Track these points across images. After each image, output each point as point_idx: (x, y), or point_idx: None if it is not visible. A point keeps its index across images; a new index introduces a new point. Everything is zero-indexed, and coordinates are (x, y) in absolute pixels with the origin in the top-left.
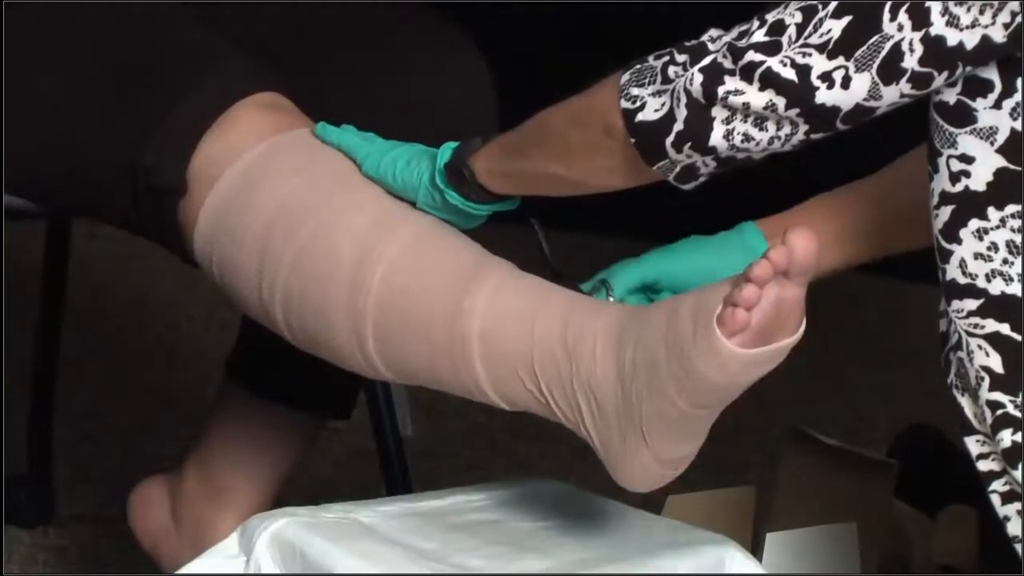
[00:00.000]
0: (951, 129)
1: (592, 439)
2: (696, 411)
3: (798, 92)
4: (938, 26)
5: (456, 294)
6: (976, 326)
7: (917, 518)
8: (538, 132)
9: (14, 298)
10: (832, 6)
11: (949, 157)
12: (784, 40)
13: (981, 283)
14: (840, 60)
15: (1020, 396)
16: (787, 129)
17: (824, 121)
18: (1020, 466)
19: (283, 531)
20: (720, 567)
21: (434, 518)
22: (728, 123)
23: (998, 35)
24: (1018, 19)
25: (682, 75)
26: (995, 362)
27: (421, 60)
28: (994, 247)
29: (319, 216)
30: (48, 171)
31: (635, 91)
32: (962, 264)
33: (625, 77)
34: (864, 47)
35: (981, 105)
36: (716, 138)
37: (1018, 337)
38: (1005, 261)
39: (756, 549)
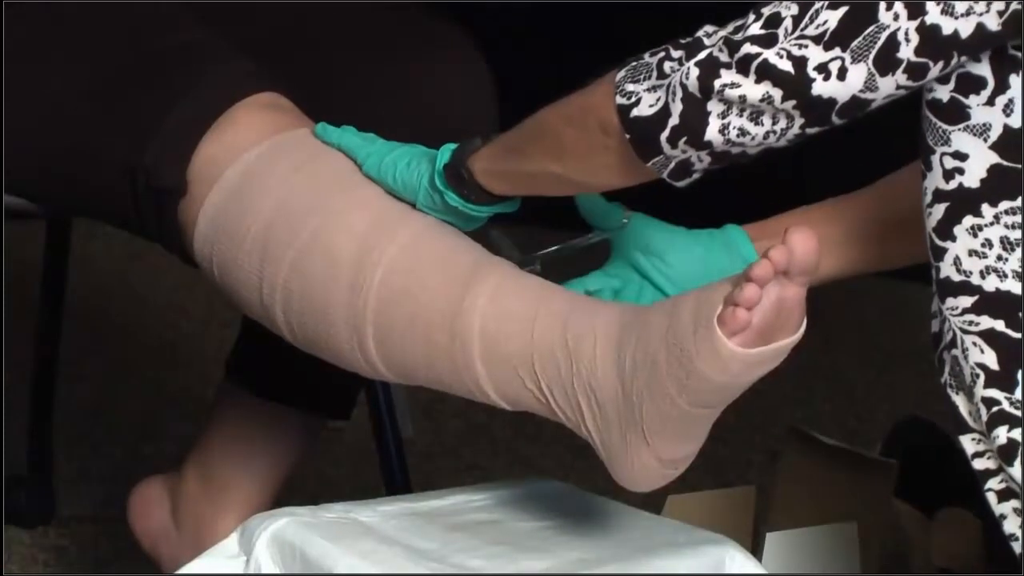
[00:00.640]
0: (944, 126)
1: (593, 439)
2: (697, 411)
3: (795, 84)
4: (933, 15)
5: (456, 294)
6: (971, 323)
7: (917, 518)
8: (535, 131)
9: (14, 298)
10: None
11: (943, 154)
12: (780, 32)
13: (975, 280)
14: (836, 51)
15: (1016, 392)
16: (783, 123)
17: (820, 114)
18: (1016, 463)
19: (283, 531)
20: (720, 567)
21: (434, 518)
22: (724, 117)
23: (993, 23)
24: (1013, 6)
25: (678, 70)
26: (990, 359)
27: (421, 60)
28: (988, 244)
29: (319, 216)
30: (48, 171)
31: (630, 87)
32: (956, 261)
33: (620, 74)
34: (860, 38)
35: (974, 102)
36: (712, 132)
37: (1012, 333)
38: (999, 257)
39: (756, 549)
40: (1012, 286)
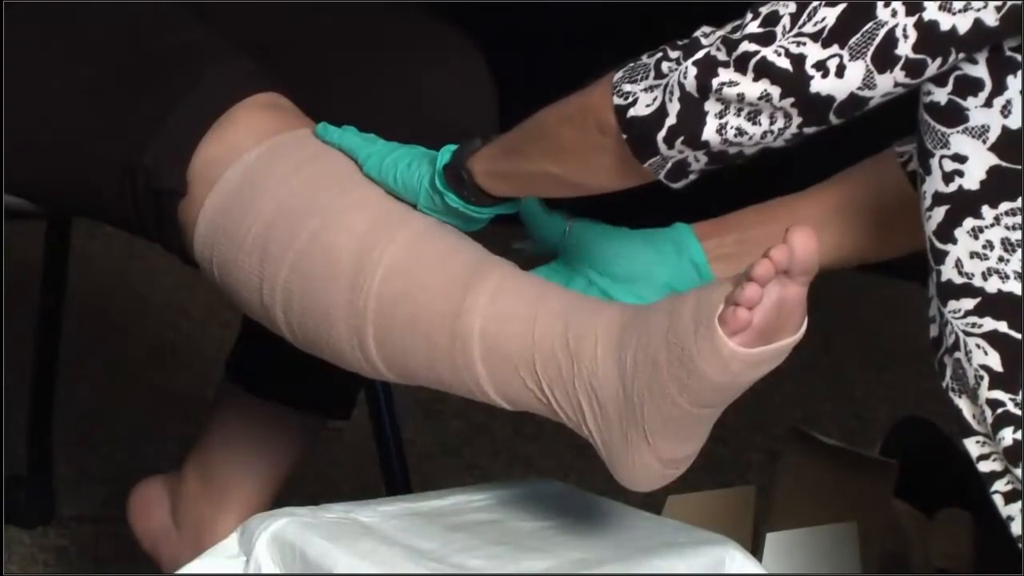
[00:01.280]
0: (943, 129)
1: (594, 439)
2: (698, 410)
3: (793, 81)
4: (931, 11)
5: (457, 294)
6: (974, 325)
7: (916, 518)
8: (534, 132)
9: (14, 298)
10: None
11: (942, 157)
12: (778, 30)
13: (977, 282)
14: (834, 48)
15: (1020, 394)
16: (780, 122)
17: (818, 112)
18: (1022, 464)
19: (283, 531)
20: (720, 567)
21: (434, 518)
22: (721, 117)
23: (990, 18)
24: (1010, 1)
25: (675, 69)
26: (994, 360)
27: (421, 61)
28: (989, 245)
29: (319, 217)
30: (48, 172)
31: (627, 87)
32: (958, 264)
33: (618, 75)
34: (858, 35)
35: (972, 104)
36: (709, 132)
37: (1015, 335)
38: (1001, 259)
39: (756, 549)
40: (1014, 287)
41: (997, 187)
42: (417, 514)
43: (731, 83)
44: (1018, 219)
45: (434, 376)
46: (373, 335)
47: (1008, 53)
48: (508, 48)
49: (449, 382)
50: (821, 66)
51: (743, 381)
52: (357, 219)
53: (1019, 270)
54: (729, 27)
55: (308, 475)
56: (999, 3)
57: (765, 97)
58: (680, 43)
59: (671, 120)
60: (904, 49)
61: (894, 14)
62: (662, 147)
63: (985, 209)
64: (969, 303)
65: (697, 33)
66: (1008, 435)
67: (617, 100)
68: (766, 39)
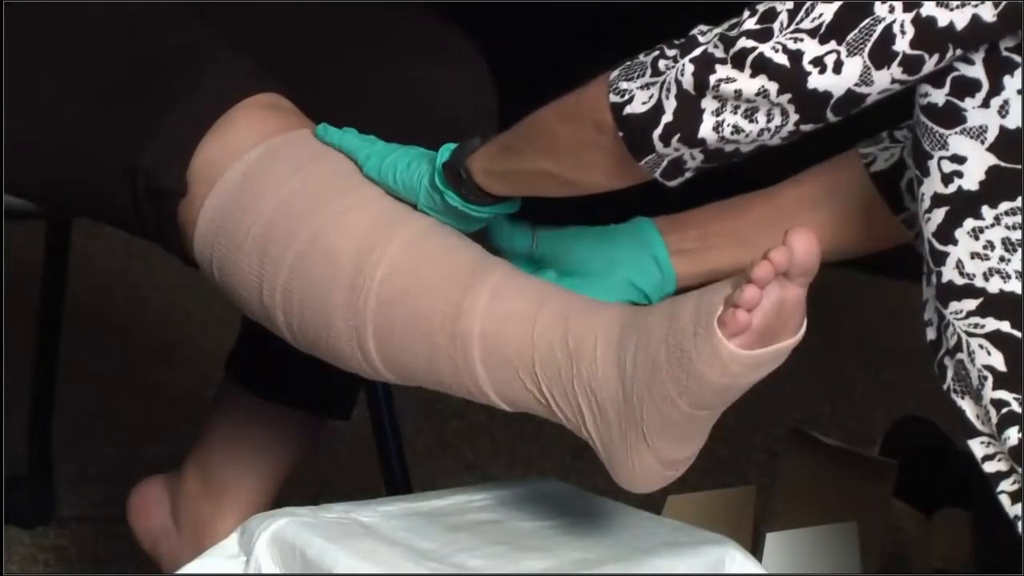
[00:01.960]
0: (941, 131)
1: (593, 440)
2: (697, 412)
3: (790, 77)
4: (928, 7)
5: (456, 295)
6: (976, 326)
7: (916, 518)
8: (530, 130)
9: (14, 298)
10: None
11: (940, 159)
12: (775, 27)
13: (979, 282)
14: (832, 44)
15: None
16: (777, 120)
17: (815, 108)
18: None
19: (283, 531)
20: (720, 567)
21: (434, 518)
22: (718, 114)
23: (988, 14)
24: None
25: (672, 67)
26: (997, 360)
27: (421, 60)
28: (990, 245)
29: (319, 217)
30: (48, 172)
31: (624, 85)
32: (959, 265)
33: (614, 73)
34: (856, 30)
35: (970, 104)
36: (706, 130)
37: (1018, 334)
38: (1002, 259)
39: (756, 549)
40: (1016, 287)
41: (997, 187)
42: (417, 514)
43: (728, 79)
44: (1018, 218)
45: (434, 377)
46: (373, 336)
47: (1005, 53)
48: (508, 48)
49: (449, 383)
50: (819, 62)
51: (742, 383)
52: (357, 220)
53: (1020, 269)
54: (726, 25)
55: (308, 475)
56: None
57: (762, 93)
58: (677, 42)
59: (667, 117)
60: (902, 45)
61: (891, 10)
62: (658, 145)
63: (985, 209)
64: (971, 304)
65: (694, 31)
66: (1013, 435)
67: (613, 98)
68: (764, 36)
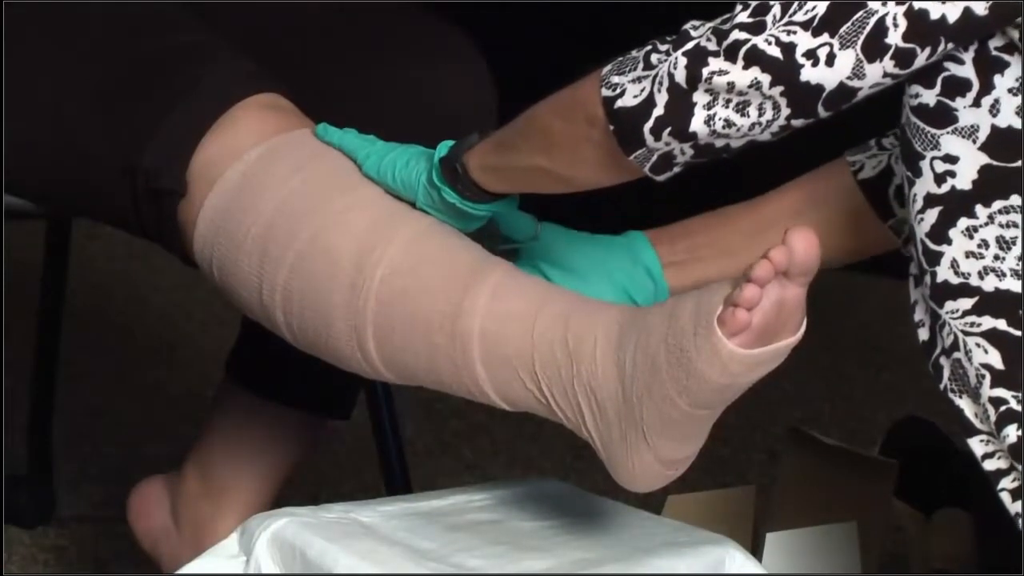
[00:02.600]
0: (932, 131)
1: (593, 439)
2: (697, 411)
3: (783, 69)
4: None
5: (456, 294)
6: (972, 324)
7: (916, 518)
8: (525, 125)
9: (14, 298)
10: None
11: (932, 159)
12: (768, 20)
13: (974, 281)
14: (825, 37)
15: (1022, 391)
16: (769, 114)
17: (807, 102)
18: None
19: (283, 531)
20: (720, 567)
21: (434, 518)
22: (709, 108)
23: (980, 8)
24: None
25: (665, 60)
26: (994, 358)
27: (421, 60)
28: (984, 244)
29: (319, 217)
30: (48, 172)
31: (616, 79)
32: (954, 264)
33: (607, 68)
34: (849, 23)
35: (960, 104)
36: (697, 123)
37: (1015, 331)
38: (996, 257)
39: (756, 549)
40: (1011, 284)
41: (990, 186)
42: (417, 514)
43: (721, 72)
44: (1012, 216)
45: (434, 376)
46: (373, 335)
47: (995, 52)
48: (508, 48)
49: (449, 382)
50: (811, 55)
51: (742, 382)
52: (357, 219)
53: (1015, 267)
54: (719, 20)
55: (308, 475)
56: None
57: (755, 85)
58: (669, 38)
59: (658, 111)
60: (894, 38)
61: (884, 2)
62: (648, 138)
63: (979, 208)
64: (967, 303)
65: (686, 26)
66: (1012, 432)
67: (605, 92)
68: (756, 28)
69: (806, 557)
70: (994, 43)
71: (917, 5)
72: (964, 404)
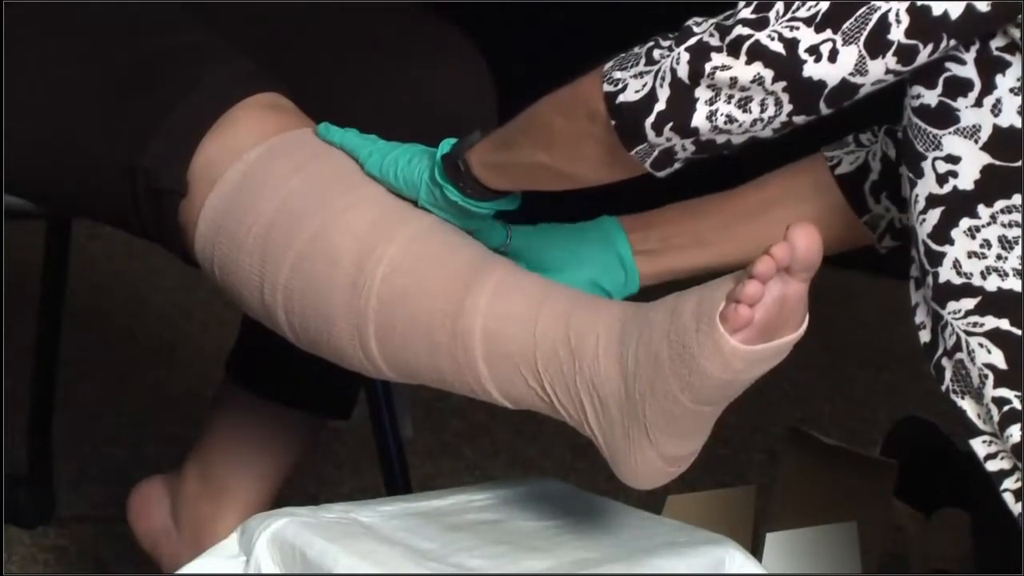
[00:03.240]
0: (934, 131)
1: (596, 437)
2: (699, 408)
3: (785, 64)
4: None
5: (457, 293)
6: (975, 324)
7: (916, 518)
8: (527, 122)
9: (14, 298)
10: None
11: (935, 159)
12: (771, 15)
13: (977, 281)
14: (828, 33)
15: None
16: (771, 110)
17: (809, 98)
18: None
19: (283, 531)
20: (720, 567)
21: (434, 518)
22: (711, 104)
23: (983, 5)
24: None
25: (667, 56)
26: (997, 358)
27: (421, 60)
28: (987, 244)
29: (320, 216)
30: (48, 172)
31: (618, 75)
32: (956, 264)
33: (609, 64)
34: (851, 19)
35: (962, 104)
36: (699, 119)
37: (1017, 331)
38: (999, 257)
39: (756, 549)
40: (1013, 284)
41: (992, 186)
42: (417, 514)
43: (724, 67)
44: (1014, 216)
45: (436, 375)
46: (374, 334)
47: (996, 52)
48: (508, 48)
49: (451, 381)
50: (814, 50)
51: (744, 378)
52: (358, 218)
53: (1017, 267)
54: (722, 16)
55: (308, 475)
56: None
57: (758, 80)
58: (672, 34)
59: (660, 106)
60: (897, 34)
61: None
62: (650, 134)
63: (981, 208)
64: (969, 303)
65: (689, 22)
66: (1016, 432)
67: (607, 87)
68: (759, 24)
69: (806, 557)
70: (995, 43)
71: (920, 2)
72: (967, 405)
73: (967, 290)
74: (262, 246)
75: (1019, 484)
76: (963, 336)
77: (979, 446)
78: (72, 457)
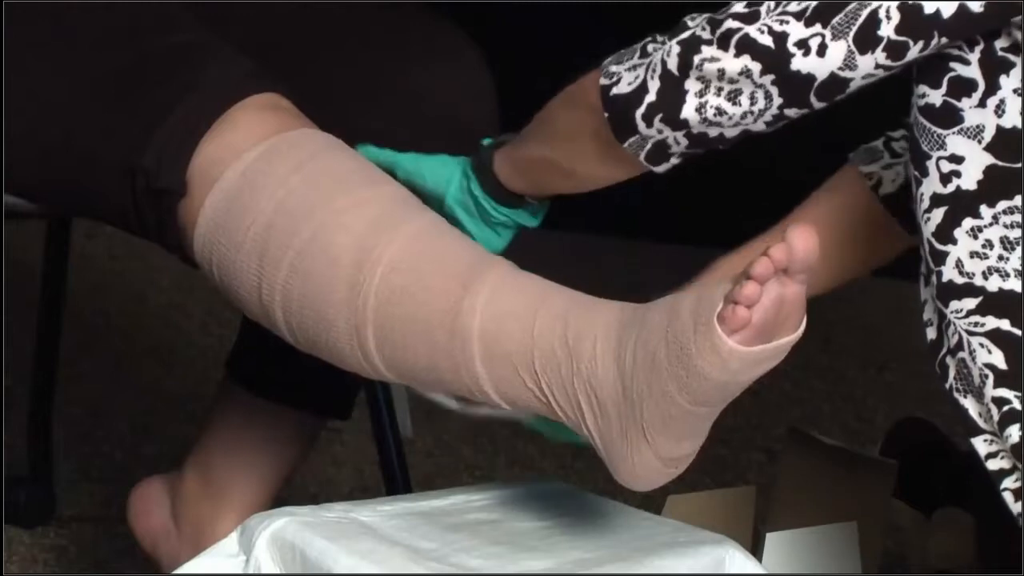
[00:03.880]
0: (939, 131)
1: (593, 437)
2: (697, 409)
3: (773, 58)
4: None
5: (456, 293)
6: (976, 324)
7: (916, 518)
8: (538, 117)
9: (14, 298)
10: None
11: (939, 159)
12: (762, 9)
13: (978, 281)
14: (817, 27)
15: None
16: (761, 103)
17: (798, 91)
18: None
19: (283, 531)
20: (720, 567)
21: (434, 518)
22: (701, 96)
23: (975, 5)
24: None
25: (660, 49)
26: (998, 358)
27: (421, 60)
28: (989, 244)
29: (318, 216)
30: (48, 172)
31: (614, 68)
32: (958, 264)
33: (609, 59)
34: (841, 14)
35: (966, 104)
36: (688, 111)
37: (1018, 332)
38: (1000, 257)
39: (756, 549)
40: (1015, 285)
41: (994, 186)
42: (417, 514)
43: (712, 59)
44: (1016, 217)
45: (433, 375)
46: (372, 334)
47: (1000, 53)
48: (508, 48)
49: (449, 381)
50: (803, 44)
51: (742, 379)
52: (356, 218)
53: (1018, 268)
54: (716, 12)
55: (308, 475)
56: None
57: (746, 73)
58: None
59: (651, 97)
60: (887, 30)
61: None
62: (640, 125)
63: (983, 208)
64: (971, 303)
65: (685, 18)
66: (1015, 432)
67: (603, 80)
68: (750, 18)
69: (806, 557)
70: (1000, 44)
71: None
72: (968, 404)
73: (969, 290)
74: (260, 246)
75: (1019, 484)
76: (965, 336)
77: (980, 445)
78: (72, 457)
